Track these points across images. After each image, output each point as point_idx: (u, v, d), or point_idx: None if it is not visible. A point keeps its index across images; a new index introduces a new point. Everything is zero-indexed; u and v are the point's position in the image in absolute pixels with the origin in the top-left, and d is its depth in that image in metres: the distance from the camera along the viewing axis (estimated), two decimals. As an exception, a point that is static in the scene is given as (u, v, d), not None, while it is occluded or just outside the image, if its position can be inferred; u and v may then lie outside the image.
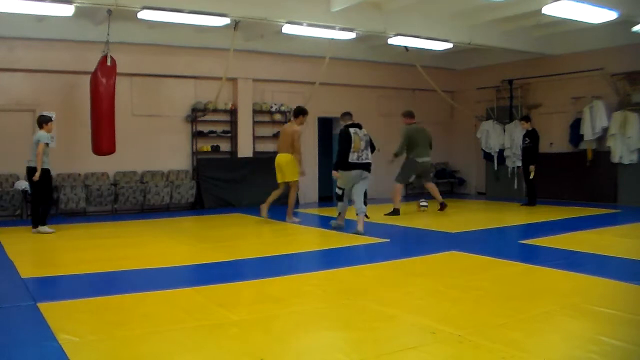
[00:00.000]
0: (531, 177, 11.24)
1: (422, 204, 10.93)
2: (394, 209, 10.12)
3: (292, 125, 9.44)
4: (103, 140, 9.28)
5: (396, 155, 10.34)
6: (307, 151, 13.12)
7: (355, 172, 7.95)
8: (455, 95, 14.78)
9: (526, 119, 11.61)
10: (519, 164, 12.87)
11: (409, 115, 10.56)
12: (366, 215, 8.29)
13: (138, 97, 11.09)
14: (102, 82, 9.08)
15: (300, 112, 9.43)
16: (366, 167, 8.04)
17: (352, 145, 7.87)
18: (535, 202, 11.29)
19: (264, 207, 9.53)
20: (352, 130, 8.00)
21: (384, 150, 14.22)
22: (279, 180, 9.47)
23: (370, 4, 10.06)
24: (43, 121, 8.30)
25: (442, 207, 10.47)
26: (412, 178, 10.60)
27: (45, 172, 8.14)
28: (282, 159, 9.35)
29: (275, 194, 9.59)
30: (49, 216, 8.47)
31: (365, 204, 8.27)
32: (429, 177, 11.02)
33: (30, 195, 8.60)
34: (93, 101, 9.26)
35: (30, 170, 8.13)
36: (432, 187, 10.66)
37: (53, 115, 10.35)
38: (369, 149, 8.12)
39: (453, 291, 4.80)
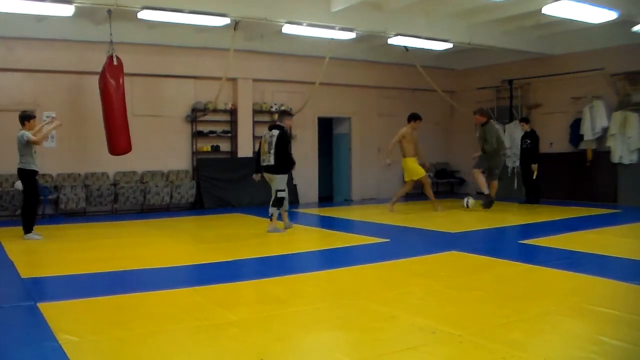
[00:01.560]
0: (534, 176, 11.43)
1: (468, 201, 10.94)
2: (490, 197, 10.71)
3: (403, 128, 10.54)
4: (120, 139, 9.29)
5: (485, 151, 10.64)
6: (307, 151, 13.16)
7: (264, 175, 8.27)
8: (455, 95, 14.77)
9: (525, 120, 11.79)
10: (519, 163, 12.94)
11: (486, 113, 11.17)
12: (270, 217, 8.09)
13: (138, 97, 11.07)
14: (112, 82, 9.09)
15: (412, 118, 10.49)
16: (267, 169, 8.09)
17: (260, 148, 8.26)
18: (539, 201, 11.44)
19: (392, 204, 10.71)
20: (263, 133, 8.33)
21: (384, 150, 14.29)
22: (406, 179, 10.74)
23: (370, 4, 10.06)
24: (23, 118, 7.73)
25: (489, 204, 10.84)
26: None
27: (32, 174, 7.73)
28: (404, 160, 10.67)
29: (402, 191, 11.05)
30: (35, 221, 7.82)
31: (274, 205, 8.10)
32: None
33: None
34: (105, 102, 9.25)
35: (21, 172, 7.75)
36: (495, 184, 10.95)
37: (52, 114, 10.41)
38: (274, 151, 7.93)
39: (453, 291, 4.80)
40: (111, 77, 9.09)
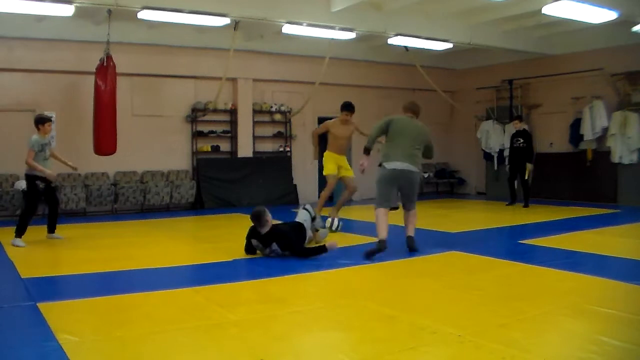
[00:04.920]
0: (527, 177, 11.26)
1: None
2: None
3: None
4: (103, 140, 9.31)
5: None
6: (307, 151, 13.15)
7: None
8: (455, 95, 14.77)
9: (520, 118, 11.69)
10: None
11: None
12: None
13: (138, 97, 11.08)
14: (104, 83, 9.10)
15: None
16: None
17: None
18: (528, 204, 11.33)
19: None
20: (254, 242, 6.42)
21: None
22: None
23: (370, 4, 10.05)
24: (36, 122, 7.39)
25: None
26: None
27: (32, 179, 7.30)
28: None
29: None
30: (25, 229, 7.24)
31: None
32: None
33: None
34: (95, 102, 9.30)
35: (25, 177, 7.42)
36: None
37: (53, 115, 10.41)
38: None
39: (453, 291, 4.80)
40: (103, 78, 9.12)
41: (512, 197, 11.57)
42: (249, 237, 6.43)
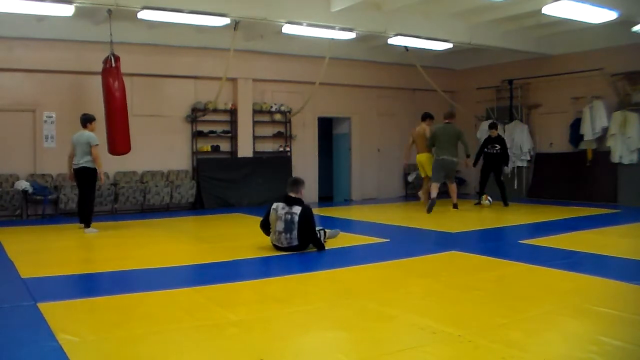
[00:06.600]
0: (502, 178, 11.60)
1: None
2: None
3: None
4: (119, 140, 9.31)
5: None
6: (307, 151, 13.16)
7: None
8: (455, 95, 14.77)
9: (496, 127, 11.83)
10: (519, 163, 13.04)
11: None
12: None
13: (138, 97, 11.06)
14: (115, 83, 9.10)
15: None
16: (289, 250, 6.53)
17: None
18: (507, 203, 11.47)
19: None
20: (274, 205, 6.59)
21: (384, 150, 14.31)
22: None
23: (370, 4, 10.06)
24: (87, 120, 8.35)
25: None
26: None
27: (93, 172, 8.25)
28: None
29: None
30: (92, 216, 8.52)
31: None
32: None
33: (79, 196, 8.66)
34: (107, 103, 9.28)
35: (80, 171, 8.18)
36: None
37: (53, 115, 10.42)
38: (297, 231, 6.42)
39: (453, 291, 4.80)
40: (118, 78, 9.13)
41: (502, 199, 11.57)
42: (271, 205, 6.67)
